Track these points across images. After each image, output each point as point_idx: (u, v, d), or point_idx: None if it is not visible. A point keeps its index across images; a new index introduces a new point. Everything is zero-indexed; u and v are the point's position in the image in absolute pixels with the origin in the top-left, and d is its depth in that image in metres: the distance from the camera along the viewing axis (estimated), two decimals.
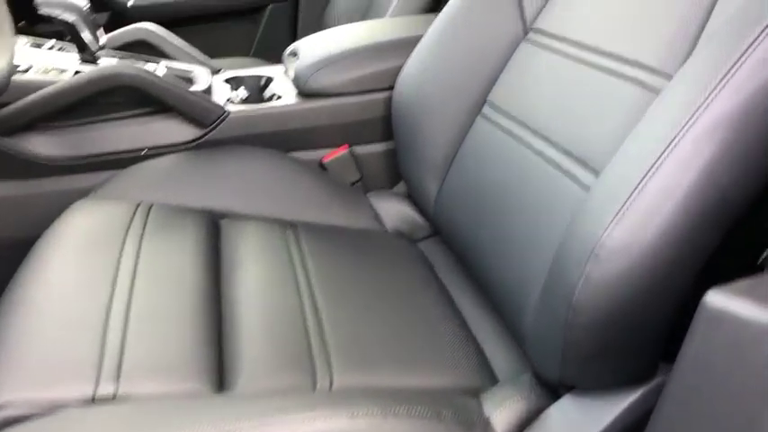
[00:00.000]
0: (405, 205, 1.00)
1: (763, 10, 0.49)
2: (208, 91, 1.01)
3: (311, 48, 1.07)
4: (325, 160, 1.02)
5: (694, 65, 0.54)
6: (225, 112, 0.97)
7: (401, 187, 1.06)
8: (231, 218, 0.88)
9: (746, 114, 0.47)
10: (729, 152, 0.47)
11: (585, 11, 0.76)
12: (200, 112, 0.94)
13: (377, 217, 0.97)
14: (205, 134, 0.96)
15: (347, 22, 1.55)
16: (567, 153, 0.69)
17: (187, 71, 1.05)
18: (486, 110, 0.86)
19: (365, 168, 1.05)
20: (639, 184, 0.50)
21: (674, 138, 0.49)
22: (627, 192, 0.50)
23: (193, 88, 0.99)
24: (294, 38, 1.75)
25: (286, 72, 1.12)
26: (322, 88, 1.00)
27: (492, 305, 0.79)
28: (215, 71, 1.13)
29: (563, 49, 0.76)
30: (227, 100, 1.02)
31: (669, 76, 0.60)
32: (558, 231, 0.65)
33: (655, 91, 0.61)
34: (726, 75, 0.48)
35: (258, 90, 1.10)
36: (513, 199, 0.75)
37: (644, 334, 0.56)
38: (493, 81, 0.86)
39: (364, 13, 1.53)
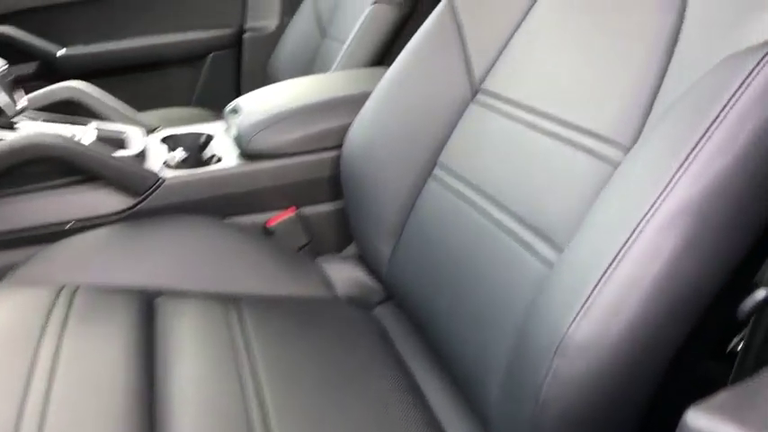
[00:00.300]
0: (357, 269, 0.95)
1: (718, 89, 0.47)
2: (142, 154, 0.94)
3: (254, 105, 1.02)
4: (271, 224, 0.97)
5: (651, 144, 0.52)
6: (159, 179, 0.90)
7: (352, 249, 1.02)
8: (168, 296, 0.81)
9: (709, 201, 0.45)
10: (693, 241, 0.45)
11: (532, 75, 0.74)
12: (131, 181, 0.88)
13: (327, 283, 0.92)
14: (138, 203, 0.89)
15: (292, 71, 1.53)
16: (525, 224, 0.66)
17: (119, 132, 0.98)
18: (437, 171, 0.83)
19: (314, 230, 1.00)
20: (603, 276, 0.47)
21: (636, 227, 0.46)
22: (590, 284, 0.47)
23: (125, 152, 0.92)
24: (238, 86, 1.70)
25: (227, 129, 1.06)
26: (266, 149, 0.95)
27: (452, 378, 0.75)
28: (150, 130, 1.07)
29: (513, 113, 0.74)
30: (164, 163, 0.95)
31: (624, 148, 0.59)
32: (519, 307, 0.62)
33: (611, 163, 0.59)
34: (685, 160, 0.45)
35: (197, 149, 1.04)
36: (470, 268, 0.72)
37: (615, 426, 0.53)
38: (443, 141, 0.84)
39: (309, 63, 1.50)
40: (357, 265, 0.95)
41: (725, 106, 0.45)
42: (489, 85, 0.81)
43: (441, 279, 0.76)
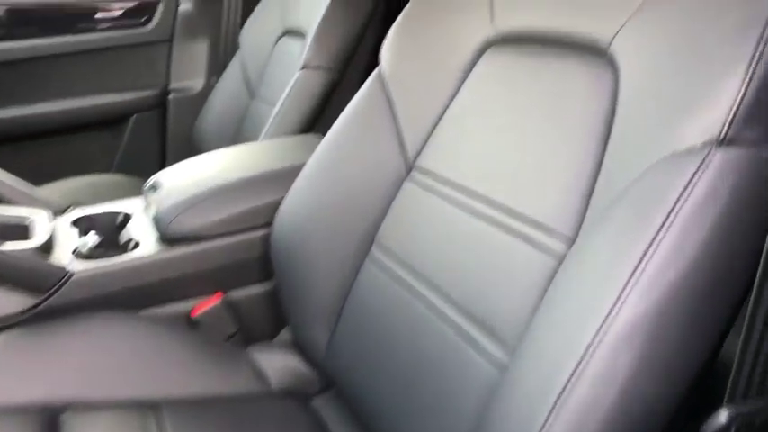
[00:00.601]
0: (291, 357, 0.88)
1: (661, 193, 0.44)
2: (47, 244, 0.85)
3: (175, 182, 0.95)
4: (195, 314, 0.89)
5: (595, 248, 0.48)
6: (66, 273, 0.81)
7: (286, 333, 0.95)
8: (75, 410, 0.71)
9: (660, 317, 0.42)
10: (649, 359, 0.42)
11: (465, 154, 0.72)
12: (32, 278, 0.78)
13: (259, 375, 0.85)
14: (41, 302, 0.79)
15: (220, 133, 1.46)
16: (470, 317, 0.62)
17: (22, 218, 0.89)
18: (375, 251, 0.79)
19: (243, 316, 0.93)
20: (557, 400, 0.42)
21: (588, 347, 0.42)
22: (544, 410, 0.43)
23: (27, 244, 0.82)
24: (163, 149, 1.62)
25: (146, 208, 0.98)
26: (188, 232, 0.88)
27: None
28: (60, 211, 0.97)
29: (448, 194, 0.71)
30: (73, 252, 0.86)
31: (565, 238, 0.56)
32: (470, 409, 0.58)
33: (552, 254, 0.56)
34: (633, 273, 0.42)
35: (113, 231, 0.95)
36: (414, 361, 0.67)
37: None
38: (379, 220, 0.79)
39: (238, 125, 1.44)
40: (292, 352, 0.89)
41: (669, 214, 0.42)
42: (423, 162, 0.78)
43: (383, 369, 0.71)
